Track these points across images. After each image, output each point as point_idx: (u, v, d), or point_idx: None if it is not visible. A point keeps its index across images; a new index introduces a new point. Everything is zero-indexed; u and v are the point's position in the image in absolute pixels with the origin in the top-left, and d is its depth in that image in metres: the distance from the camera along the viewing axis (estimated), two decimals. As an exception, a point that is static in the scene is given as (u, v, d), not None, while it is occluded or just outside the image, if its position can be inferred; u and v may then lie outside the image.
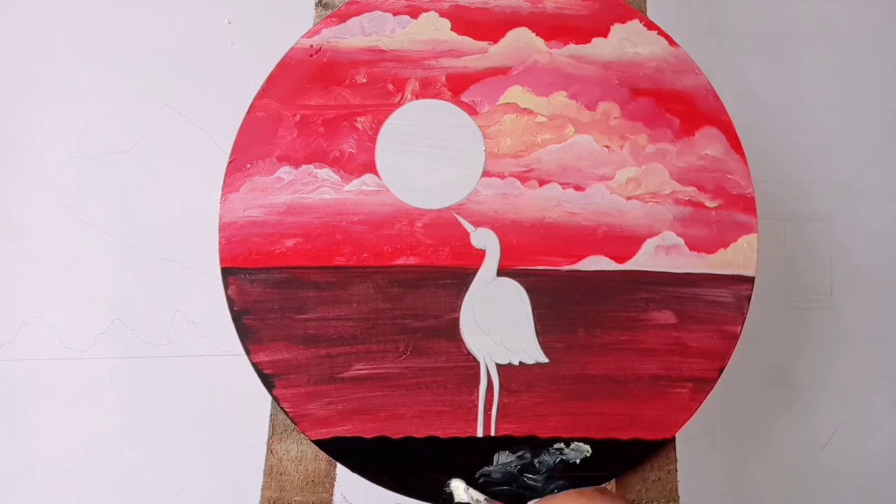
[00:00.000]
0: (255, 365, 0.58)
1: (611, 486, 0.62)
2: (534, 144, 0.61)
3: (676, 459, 0.63)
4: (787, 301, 0.94)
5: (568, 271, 0.60)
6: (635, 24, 0.63)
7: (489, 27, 0.61)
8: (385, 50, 0.60)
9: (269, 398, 0.59)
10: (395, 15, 0.61)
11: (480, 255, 0.60)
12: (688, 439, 0.85)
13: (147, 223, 0.82)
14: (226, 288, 0.58)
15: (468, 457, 0.59)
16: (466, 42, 0.61)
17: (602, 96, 0.62)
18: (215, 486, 0.83)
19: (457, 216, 0.60)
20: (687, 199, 0.62)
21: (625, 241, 0.61)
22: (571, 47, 0.62)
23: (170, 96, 0.83)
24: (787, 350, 0.95)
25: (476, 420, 0.60)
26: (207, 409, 0.83)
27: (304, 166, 0.59)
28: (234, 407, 0.82)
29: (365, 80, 0.60)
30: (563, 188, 0.61)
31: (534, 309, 0.60)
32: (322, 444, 0.59)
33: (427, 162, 0.60)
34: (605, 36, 0.62)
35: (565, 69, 0.62)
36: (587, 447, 0.60)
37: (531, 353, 0.60)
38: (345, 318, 0.59)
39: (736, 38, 0.94)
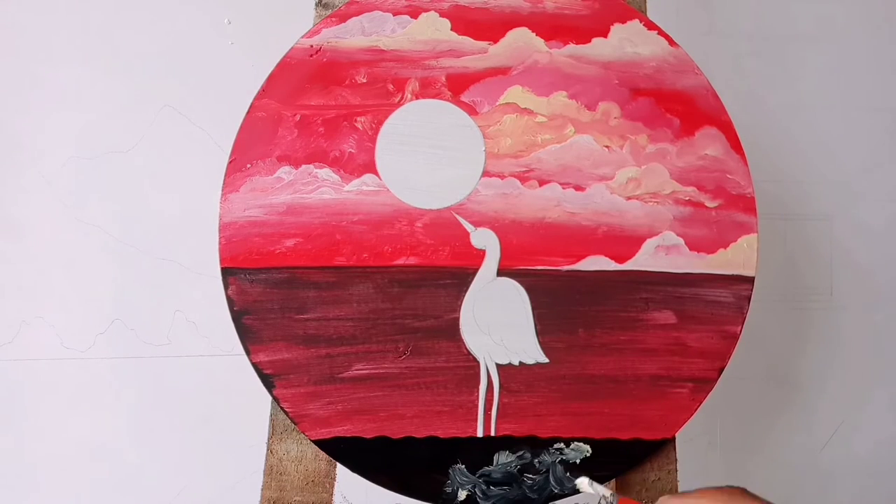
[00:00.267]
0: (255, 365, 0.58)
1: (610, 485, 0.62)
2: (534, 144, 0.61)
3: (676, 459, 0.63)
4: (787, 301, 0.94)
5: (568, 271, 0.60)
6: (635, 24, 0.63)
7: (489, 27, 0.61)
8: (385, 50, 0.60)
9: (269, 398, 0.59)
10: (395, 15, 0.61)
11: (480, 255, 0.60)
12: (688, 439, 0.85)
13: (147, 223, 0.82)
14: (226, 288, 0.58)
15: (468, 457, 0.59)
16: (466, 42, 0.61)
17: (602, 96, 0.62)
18: (215, 486, 0.83)
19: (457, 216, 0.60)
20: (687, 199, 0.62)
21: (625, 241, 0.61)
22: (571, 47, 0.62)
23: (170, 96, 0.83)
24: (787, 350, 0.95)
25: (476, 420, 0.60)
26: (207, 409, 0.83)
27: (304, 166, 0.59)
28: (234, 407, 0.82)
29: (365, 80, 0.60)
30: (563, 188, 0.61)
31: (534, 309, 0.60)
32: (322, 444, 0.59)
33: (427, 162, 0.60)
34: (605, 36, 0.62)
35: (565, 69, 0.62)
36: (587, 447, 0.60)
37: (531, 353, 0.60)
38: (345, 318, 0.59)
39: (736, 38, 0.94)
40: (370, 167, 0.59)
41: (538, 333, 0.60)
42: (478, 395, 0.60)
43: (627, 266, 0.61)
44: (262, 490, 0.60)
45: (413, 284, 0.59)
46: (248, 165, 0.59)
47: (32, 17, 0.82)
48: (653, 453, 0.62)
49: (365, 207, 0.59)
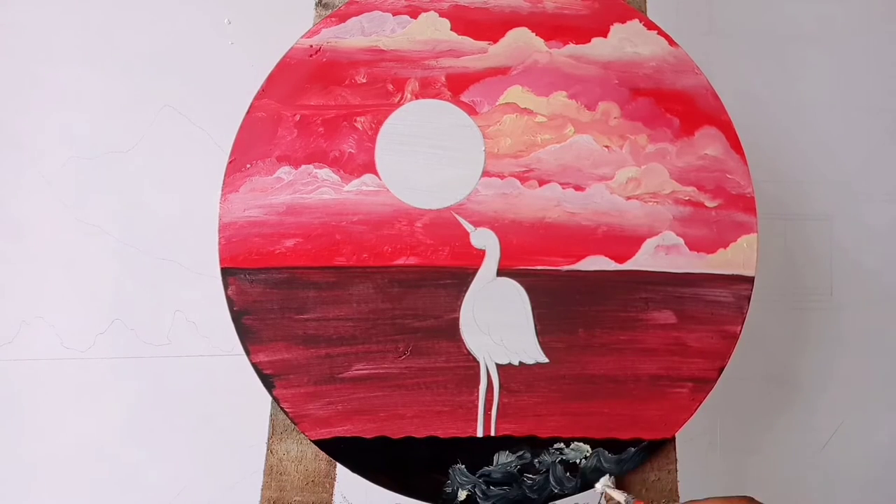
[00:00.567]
0: (255, 365, 0.58)
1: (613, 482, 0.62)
2: (534, 144, 0.61)
3: (676, 459, 0.63)
4: (787, 301, 0.94)
5: (568, 271, 0.60)
6: (635, 24, 0.63)
7: (489, 27, 0.61)
8: (385, 50, 0.60)
9: (269, 398, 0.59)
10: (394, 15, 0.61)
11: (480, 255, 0.60)
12: (688, 439, 0.85)
13: (147, 223, 0.82)
14: (226, 288, 0.58)
15: (468, 457, 0.59)
16: (466, 42, 0.61)
17: (602, 96, 0.62)
18: (215, 486, 0.83)
19: (457, 216, 0.60)
20: (687, 198, 0.62)
21: (625, 241, 0.61)
22: (571, 47, 0.62)
23: (170, 96, 0.83)
24: (787, 350, 0.95)
25: (476, 420, 0.60)
26: (207, 409, 0.83)
27: (303, 166, 0.59)
28: (234, 407, 0.82)
29: (365, 80, 0.60)
30: (563, 188, 0.61)
31: (534, 309, 0.60)
32: (322, 444, 0.59)
33: (427, 162, 0.60)
34: (605, 36, 0.62)
35: (565, 69, 0.62)
36: (587, 447, 0.60)
37: (531, 353, 0.60)
38: (345, 318, 0.59)
39: (736, 38, 0.94)
40: (370, 167, 0.59)
41: (538, 333, 0.60)
42: (478, 395, 0.60)
43: (627, 266, 0.61)
44: (262, 490, 0.60)
45: (413, 284, 0.59)
46: (248, 165, 0.59)
47: (32, 17, 0.82)
48: (653, 453, 0.62)
49: (365, 207, 0.59)
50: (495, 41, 0.61)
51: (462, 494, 0.59)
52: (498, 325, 0.60)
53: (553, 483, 0.60)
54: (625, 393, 0.61)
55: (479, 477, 0.59)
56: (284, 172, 0.59)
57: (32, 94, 0.81)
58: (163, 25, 0.83)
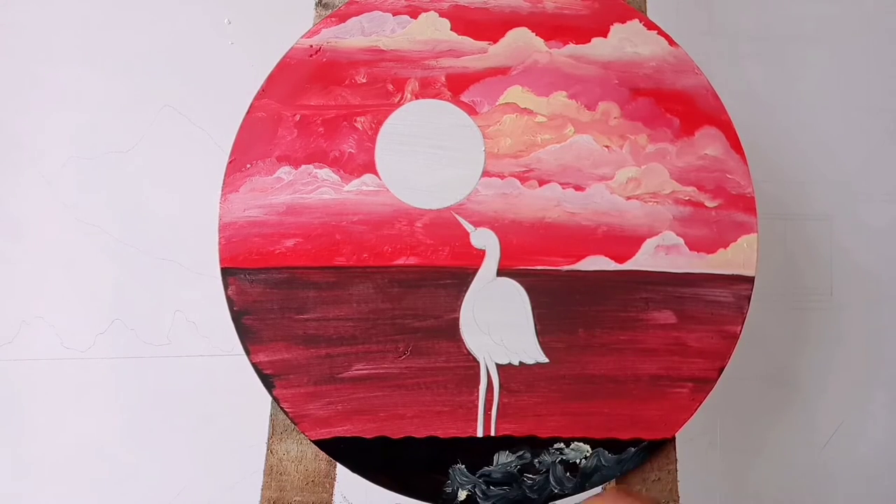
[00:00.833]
0: (255, 365, 0.58)
1: (610, 485, 0.62)
2: (534, 144, 0.61)
3: (676, 459, 0.63)
4: (787, 301, 0.94)
5: (568, 271, 0.60)
6: (635, 24, 0.63)
7: (489, 27, 0.61)
8: (385, 50, 0.60)
9: (269, 398, 0.59)
10: (394, 15, 0.61)
11: (480, 255, 0.60)
12: (688, 439, 0.85)
13: (147, 223, 0.82)
14: (226, 288, 0.58)
15: (468, 457, 0.59)
16: (466, 42, 0.61)
17: (602, 96, 0.62)
18: (215, 486, 0.83)
19: (457, 216, 0.60)
20: (687, 198, 0.62)
21: (625, 241, 0.61)
22: (571, 47, 0.62)
23: (170, 96, 0.83)
24: (787, 350, 0.95)
25: (476, 420, 0.60)
26: (207, 409, 0.83)
27: (303, 166, 0.59)
28: (234, 407, 0.82)
29: (365, 80, 0.60)
30: (563, 188, 0.61)
31: (534, 309, 0.60)
32: (322, 444, 0.59)
33: (427, 162, 0.60)
34: (605, 36, 0.62)
35: (565, 69, 0.62)
36: (587, 447, 0.60)
37: (531, 353, 0.60)
38: (345, 318, 0.59)
39: (736, 38, 0.94)
40: (370, 167, 0.59)
41: (538, 333, 0.60)
42: (478, 395, 0.60)
43: (627, 266, 0.61)
44: (262, 490, 0.60)
45: (413, 284, 0.59)
46: (248, 165, 0.59)
47: (32, 17, 0.82)
48: (653, 453, 0.62)
49: (365, 207, 0.59)
50: (495, 41, 0.61)
51: (462, 494, 0.59)
52: (498, 325, 0.60)
53: (553, 483, 0.60)
54: (625, 393, 0.61)
55: (479, 477, 0.59)
56: (284, 172, 0.59)
57: (32, 94, 0.81)
58: (163, 25, 0.83)
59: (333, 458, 0.59)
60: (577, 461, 0.60)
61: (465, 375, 0.59)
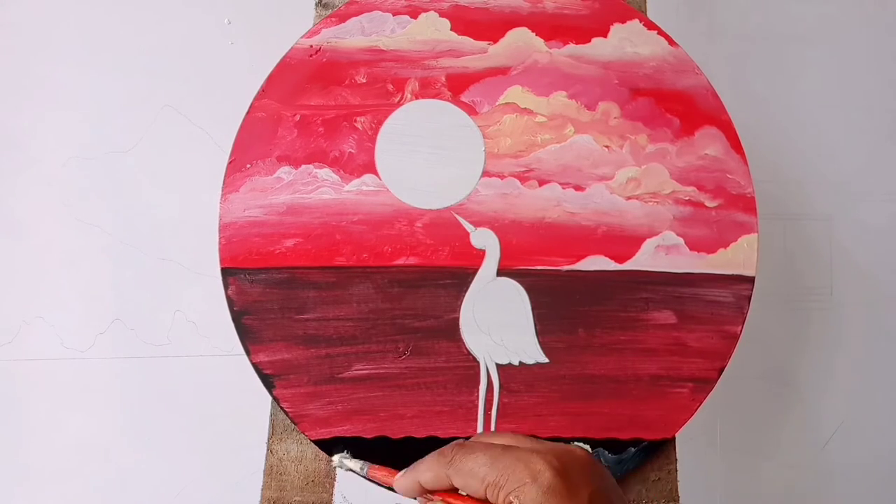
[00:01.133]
0: (255, 365, 0.58)
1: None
2: (534, 144, 0.61)
3: (676, 459, 0.63)
4: (787, 301, 0.94)
5: (568, 271, 0.60)
6: (635, 24, 0.63)
7: (489, 27, 0.61)
8: (385, 50, 0.60)
9: (269, 398, 0.59)
10: (394, 15, 0.61)
11: (480, 255, 0.60)
12: (688, 439, 0.85)
13: (147, 223, 0.82)
14: (226, 288, 0.58)
15: (468, 457, 0.59)
16: (466, 42, 0.61)
17: (602, 96, 0.62)
18: (215, 486, 0.83)
19: (457, 216, 0.60)
20: (687, 198, 0.62)
21: (625, 241, 0.61)
22: (571, 47, 0.62)
23: (170, 96, 0.82)
24: (787, 350, 0.95)
25: (476, 420, 0.60)
26: (207, 409, 0.83)
27: (303, 166, 0.59)
28: (234, 407, 0.82)
29: (365, 80, 0.60)
30: (563, 188, 0.61)
31: (534, 309, 0.60)
32: (322, 444, 0.59)
33: (427, 162, 0.60)
34: (605, 36, 0.62)
35: (565, 69, 0.62)
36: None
37: (531, 353, 0.60)
38: (345, 318, 0.59)
39: (736, 38, 0.94)
40: (370, 167, 0.59)
41: (538, 333, 0.60)
42: (478, 396, 0.60)
43: (627, 266, 0.61)
44: (262, 490, 0.60)
45: (413, 284, 0.59)
46: (248, 165, 0.59)
47: (32, 17, 0.82)
48: (653, 453, 0.62)
49: (365, 207, 0.59)
50: (495, 41, 0.61)
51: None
52: (498, 325, 0.60)
53: (553, 483, 0.60)
54: (625, 393, 0.61)
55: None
56: (284, 172, 0.59)
57: (32, 94, 0.81)
58: (163, 25, 0.83)
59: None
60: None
61: (465, 375, 0.59)
